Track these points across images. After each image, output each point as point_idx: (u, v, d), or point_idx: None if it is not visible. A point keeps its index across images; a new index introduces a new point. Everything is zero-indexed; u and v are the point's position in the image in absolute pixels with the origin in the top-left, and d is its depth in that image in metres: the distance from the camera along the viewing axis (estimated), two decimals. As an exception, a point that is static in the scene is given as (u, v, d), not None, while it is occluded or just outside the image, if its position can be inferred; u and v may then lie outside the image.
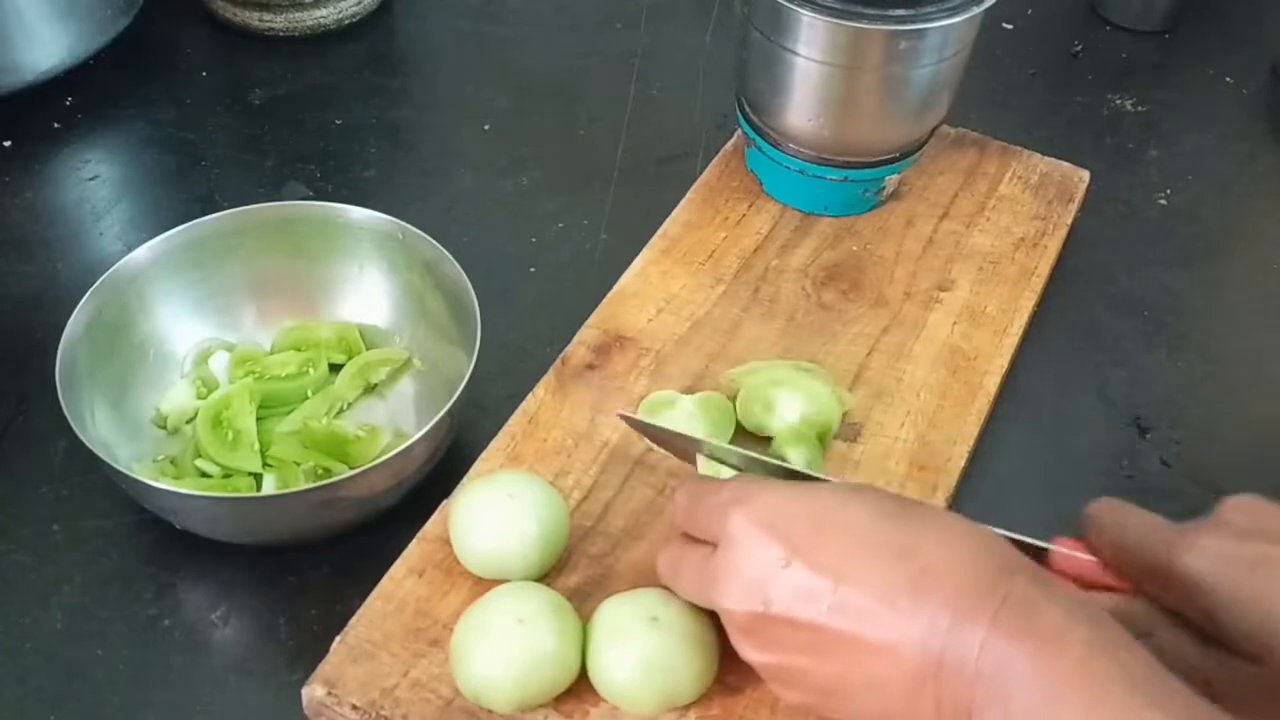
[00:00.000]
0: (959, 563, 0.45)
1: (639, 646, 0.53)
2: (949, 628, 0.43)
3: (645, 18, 1.00)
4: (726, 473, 0.62)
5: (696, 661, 0.53)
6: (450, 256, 0.67)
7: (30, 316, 0.75)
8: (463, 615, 0.55)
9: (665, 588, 0.55)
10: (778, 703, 0.55)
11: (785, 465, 0.55)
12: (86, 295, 0.64)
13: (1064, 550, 0.51)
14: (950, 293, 0.74)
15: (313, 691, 0.55)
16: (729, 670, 0.55)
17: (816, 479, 0.54)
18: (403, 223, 0.69)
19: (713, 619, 0.54)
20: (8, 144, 0.87)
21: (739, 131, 0.82)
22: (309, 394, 0.69)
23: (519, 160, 0.87)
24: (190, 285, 0.70)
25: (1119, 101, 0.95)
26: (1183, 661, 0.47)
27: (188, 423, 0.68)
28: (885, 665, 0.45)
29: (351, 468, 0.64)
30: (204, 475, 0.65)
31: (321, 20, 0.95)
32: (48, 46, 0.86)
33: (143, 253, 0.67)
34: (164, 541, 0.64)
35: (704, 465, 0.63)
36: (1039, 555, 0.51)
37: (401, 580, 0.59)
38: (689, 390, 0.68)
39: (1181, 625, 0.48)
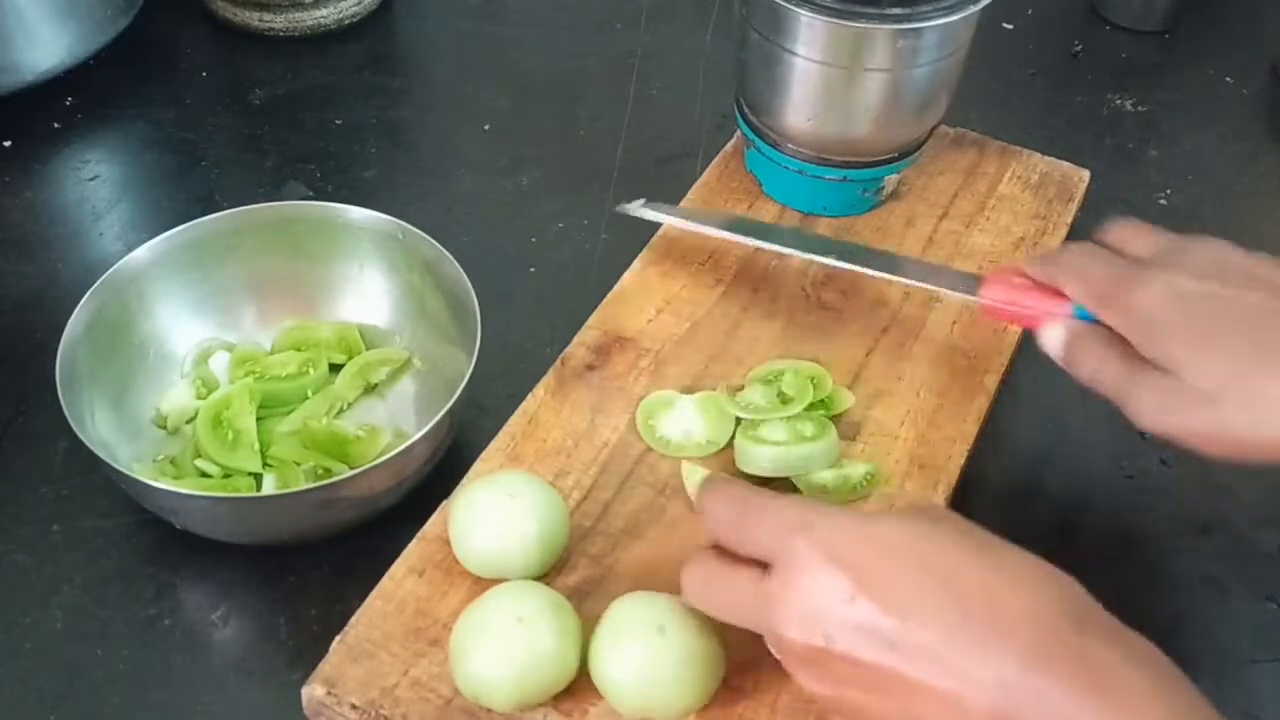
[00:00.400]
0: (1032, 610, 0.44)
1: (641, 653, 0.52)
2: (1016, 678, 0.42)
3: (645, 18, 1.00)
4: (700, 473, 0.62)
5: (696, 677, 0.52)
6: (450, 256, 0.67)
7: (30, 316, 0.75)
8: (462, 614, 0.55)
9: (674, 592, 0.55)
10: (777, 702, 0.55)
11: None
12: (86, 295, 0.64)
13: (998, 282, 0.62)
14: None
15: (312, 691, 0.55)
16: (729, 671, 0.55)
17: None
18: (403, 223, 0.69)
19: (720, 636, 0.54)
20: (8, 144, 0.87)
21: (738, 132, 0.82)
22: (309, 394, 0.69)
23: (519, 160, 0.87)
24: (190, 285, 0.70)
25: (1119, 101, 0.95)
26: (1106, 365, 0.55)
27: (188, 423, 0.68)
28: (947, 710, 0.43)
29: (351, 468, 0.64)
30: (204, 475, 0.65)
31: (321, 20, 0.95)
32: (48, 46, 0.86)
33: (143, 253, 0.67)
34: (164, 541, 0.64)
35: (687, 471, 0.63)
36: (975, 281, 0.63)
37: (401, 580, 0.59)
38: (689, 390, 0.68)
39: (1111, 337, 0.56)
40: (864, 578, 0.45)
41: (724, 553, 0.50)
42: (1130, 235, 0.60)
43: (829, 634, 0.45)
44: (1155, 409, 0.53)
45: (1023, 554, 0.47)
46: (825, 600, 0.45)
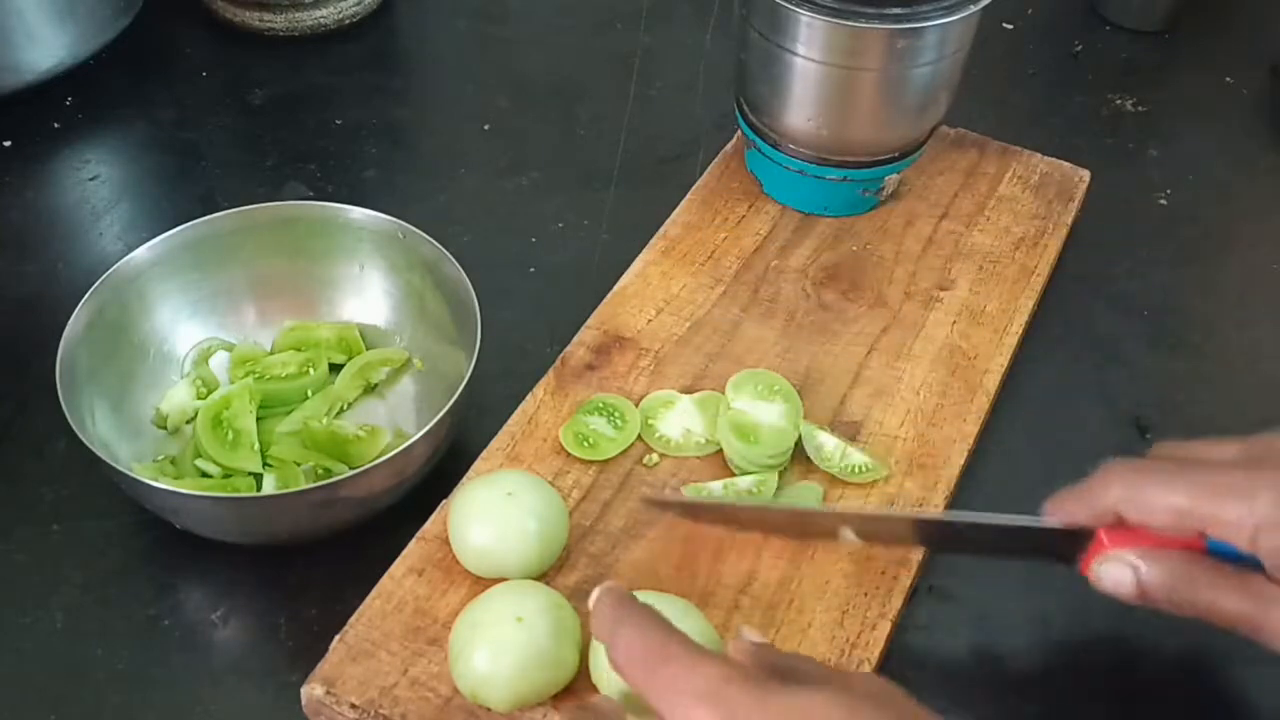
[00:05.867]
0: None
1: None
2: None
3: (645, 18, 1.00)
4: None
5: None
6: (450, 256, 0.67)
7: (30, 316, 0.75)
8: (461, 614, 0.55)
9: (677, 595, 0.55)
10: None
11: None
12: (86, 295, 0.64)
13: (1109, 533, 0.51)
14: (950, 292, 0.74)
15: (311, 690, 0.55)
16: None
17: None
18: (403, 223, 0.69)
19: (721, 637, 0.54)
20: (8, 144, 0.87)
21: (739, 132, 0.82)
22: (309, 394, 0.69)
23: (519, 160, 0.87)
24: (190, 285, 0.70)
25: (1119, 101, 0.95)
26: (1234, 606, 0.47)
27: (188, 423, 0.68)
28: None
29: (351, 468, 0.64)
30: (204, 475, 0.65)
31: (321, 20, 0.95)
32: (48, 46, 0.86)
33: (143, 253, 0.67)
34: (164, 541, 0.64)
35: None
36: (1087, 537, 0.51)
37: (401, 579, 0.59)
38: (688, 390, 0.68)
39: (1222, 569, 0.48)
40: None
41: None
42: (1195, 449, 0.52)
43: None
44: None
45: None
46: None
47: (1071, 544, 0.52)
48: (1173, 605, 0.49)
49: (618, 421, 0.66)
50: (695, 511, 0.59)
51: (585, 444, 0.64)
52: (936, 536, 0.57)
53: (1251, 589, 0.47)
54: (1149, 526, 0.49)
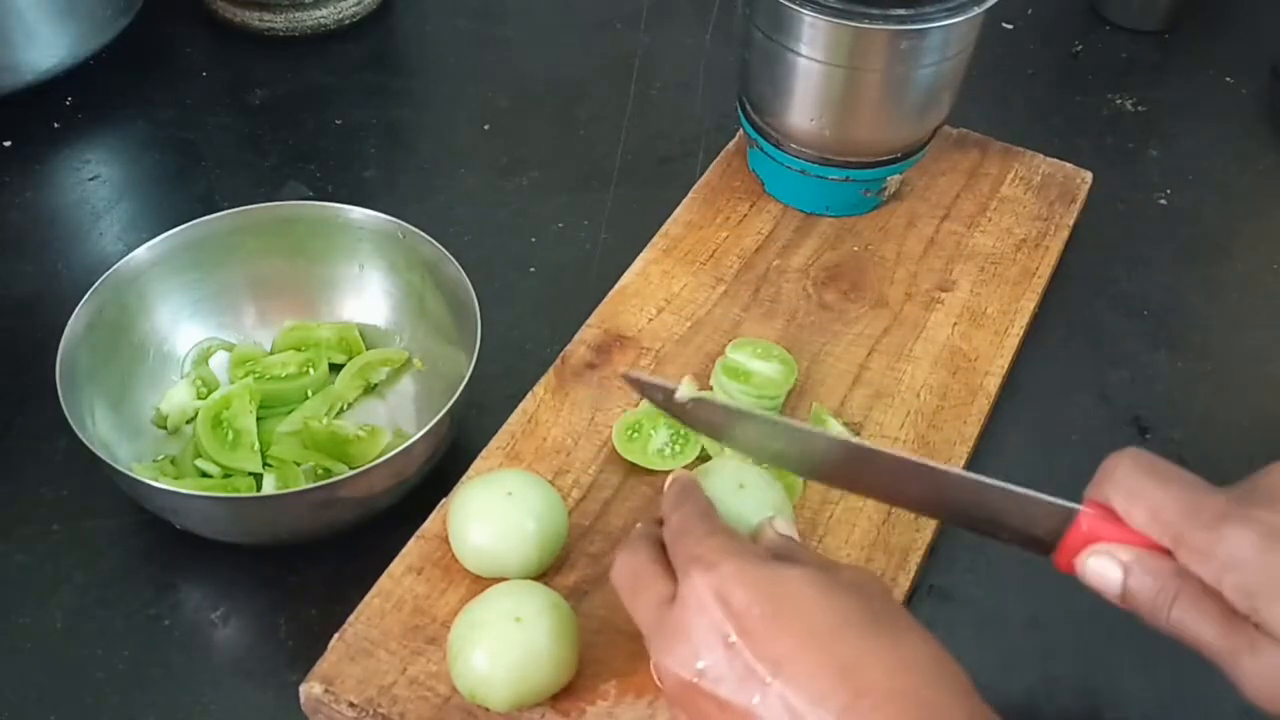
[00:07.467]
0: (903, 698, 0.43)
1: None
2: None
3: (645, 18, 1.00)
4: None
5: None
6: (450, 256, 0.67)
7: (30, 316, 0.75)
8: (460, 613, 0.55)
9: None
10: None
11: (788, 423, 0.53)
12: (86, 295, 0.64)
13: (1091, 513, 0.48)
14: (951, 293, 0.74)
15: (310, 689, 0.55)
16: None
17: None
18: (403, 223, 0.69)
19: None
20: (8, 144, 0.87)
21: (740, 131, 0.82)
22: (309, 394, 0.69)
23: (519, 160, 0.87)
24: (190, 285, 0.70)
25: (1119, 101, 0.95)
26: (1207, 637, 0.44)
27: (188, 423, 0.68)
28: None
29: (351, 468, 0.64)
30: (204, 475, 0.65)
31: (321, 20, 0.95)
32: (48, 46, 0.86)
33: (143, 253, 0.67)
34: (164, 541, 0.64)
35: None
36: (1067, 517, 0.48)
37: (400, 578, 0.59)
38: (689, 390, 0.68)
39: (1208, 595, 0.44)
40: (748, 625, 0.45)
41: (660, 550, 0.51)
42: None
43: (702, 670, 0.45)
44: (1271, 686, 0.43)
45: (925, 639, 0.46)
46: (704, 638, 0.45)
47: (1051, 524, 0.49)
48: (1150, 615, 0.46)
49: (679, 444, 0.65)
50: (671, 402, 0.56)
51: (635, 442, 0.65)
52: (917, 491, 0.53)
53: (1232, 627, 0.44)
54: (1130, 520, 0.47)
